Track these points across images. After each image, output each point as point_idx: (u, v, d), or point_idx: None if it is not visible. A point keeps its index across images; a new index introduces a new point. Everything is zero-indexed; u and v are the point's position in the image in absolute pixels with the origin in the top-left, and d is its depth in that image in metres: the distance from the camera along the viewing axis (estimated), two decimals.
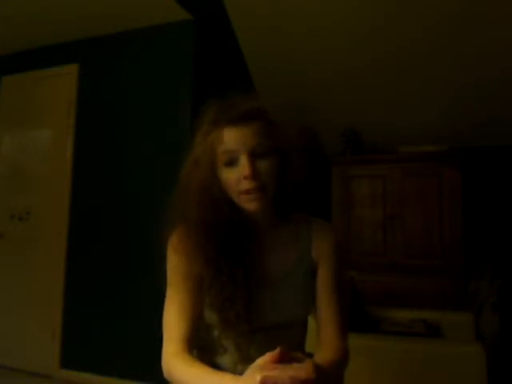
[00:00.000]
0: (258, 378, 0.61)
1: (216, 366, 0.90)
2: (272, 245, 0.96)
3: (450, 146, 3.25)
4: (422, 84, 3.02)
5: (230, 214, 0.89)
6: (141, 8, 2.56)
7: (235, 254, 0.88)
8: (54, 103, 3.03)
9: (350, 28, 2.75)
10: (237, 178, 0.85)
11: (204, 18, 2.74)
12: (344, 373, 0.95)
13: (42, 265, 2.90)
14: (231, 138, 0.86)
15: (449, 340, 2.12)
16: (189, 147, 0.93)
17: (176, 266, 0.89)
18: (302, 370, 0.63)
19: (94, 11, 2.61)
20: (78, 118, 2.92)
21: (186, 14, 2.61)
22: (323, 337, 0.92)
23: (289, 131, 0.92)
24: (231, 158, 0.86)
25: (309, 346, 1.03)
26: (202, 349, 0.95)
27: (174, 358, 0.79)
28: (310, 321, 1.00)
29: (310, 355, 0.92)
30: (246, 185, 0.84)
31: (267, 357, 0.65)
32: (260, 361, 0.65)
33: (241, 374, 0.68)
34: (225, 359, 0.92)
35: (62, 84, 3.01)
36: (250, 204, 0.86)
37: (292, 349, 0.68)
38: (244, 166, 0.84)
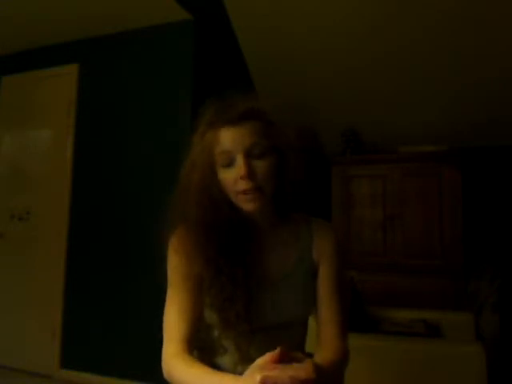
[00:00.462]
0: (258, 378, 0.61)
1: (216, 367, 0.90)
2: (272, 245, 0.96)
3: (450, 145, 3.25)
4: (422, 84, 3.02)
5: (230, 214, 0.89)
6: (141, 8, 2.56)
7: (235, 254, 0.88)
8: (54, 103, 3.03)
9: (350, 28, 2.75)
10: (234, 179, 0.85)
11: (204, 18, 2.74)
12: (344, 373, 0.95)
13: (42, 265, 2.90)
14: (228, 138, 0.86)
15: (449, 340, 2.11)
16: (188, 147, 0.93)
17: (176, 266, 0.89)
18: (301, 369, 0.63)
19: (94, 11, 2.61)
20: (77, 118, 2.92)
21: (186, 14, 2.62)
22: (323, 337, 0.92)
23: (287, 131, 0.92)
24: (228, 158, 0.86)
25: (309, 346, 1.03)
26: (202, 349, 0.95)
27: (173, 359, 0.79)
28: (310, 321, 1.00)
29: (310, 355, 0.92)
30: (242, 185, 0.85)
31: (267, 357, 0.65)
32: (260, 361, 0.65)
33: (241, 374, 0.68)
34: (225, 360, 0.92)
35: (62, 84, 3.01)
36: (247, 204, 0.86)
37: (292, 349, 0.68)
38: (240, 166, 0.84)
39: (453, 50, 2.73)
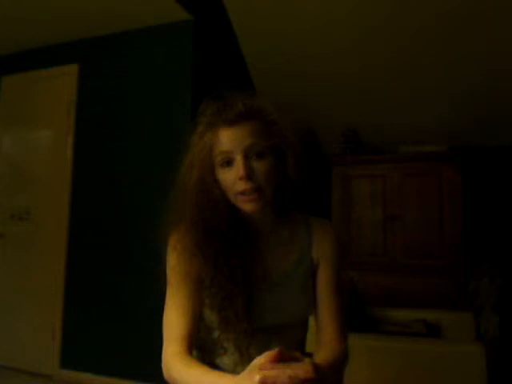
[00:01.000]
0: (257, 377, 0.61)
1: (216, 367, 0.90)
2: (271, 245, 0.95)
3: (450, 146, 3.25)
4: (422, 84, 3.02)
5: (229, 214, 0.89)
6: (141, 8, 2.56)
7: (234, 254, 0.88)
8: (54, 103, 3.03)
9: (350, 28, 2.75)
10: (233, 179, 0.85)
11: (204, 18, 2.74)
12: (343, 372, 0.95)
13: (42, 265, 2.90)
14: (227, 138, 0.85)
15: (449, 340, 2.12)
16: (187, 147, 0.93)
17: (175, 266, 0.89)
18: (301, 369, 0.62)
19: (94, 11, 2.61)
20: (77, 118, 2.92)
21: (186, 14, 2.61)
22: (323, 336, 0.92)
23: (287, 130, 0.91)
24: (227, 158, 0.86)
25: (309, 346, 1.03)
26: (202, 349, 0.95)
27: (173, 359, 0.79)
28: (310, 321, 1.00)
29: (310, 355, 0.91)
30: (241, 186, 0.84)
31: (266, 356, 0.64)
32: (258, 360, 0.65)
33: None
34: (225, 360, 0.92)
35: (62, 84, 3.01)
36: (246, 205, 0.86)
37: (291, 349, 0.68)
38: (239, 166, 0.84)
39: (453, 50, 2.73)
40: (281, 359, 0.64)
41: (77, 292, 2.76)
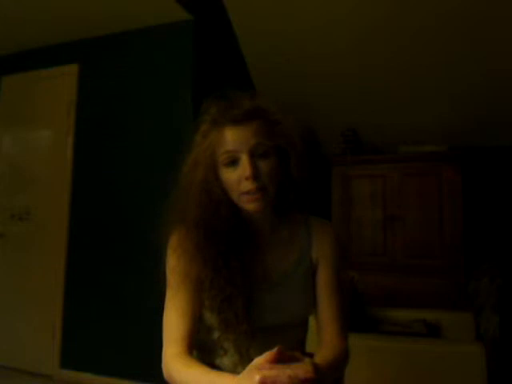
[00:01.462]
0: (257, 377, 0.61)
1: (216, 368, 0.90)
2: (271, 245, 0.95)
3: (450, 146, 3.25)
4: (422, 84, 3.02)
5: (230, 214, 0.88)
6: (141, 8, 2.56)
7: (234, 254, 0.88)
8: (54, 103, 3.03)
9: (350, 28, 2.75)
10: (237, 179, 0.85)
11: (204, 18, 2.74)
12: (344, 372, 0.95)
13: (42, 265, 2.90)
14: (231, 138, 0.85)
15: (449, 340, 2.11)
16: (189, 147, 0.93)
17: (175, 267, 0.88)
18: (300, 369, 0.62)
19: (94, 11, 2.61)
20: (77, 118, 2.92)
21: (186, 14, 2.61)
22: (323, 336, 0.92)
23: (291, 130, 0.91)
24: (232, 158, 0.85)
25: (309, 346, 1.03)
26: (202, 350, 0.95)
27: (173, 360, 0.79)
28: (310, 321, 1.00)
29: (311, 355, 0.91)
30: (247, 185, 0.84)
31: (265, 356, 0.64)
32: (258, 360, 0.65)
33: None
34: (225, 361, 0.92)
35: (62, 84, 3.01)
36: (250, 205, 0.86)
37: (292, 349, 0.68)
38: (245, 166, 0.83)
39: (453, 50, 2.73)
40: (281, 359, 0.64)
41: (77, 292, 2.76)
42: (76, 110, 2.93)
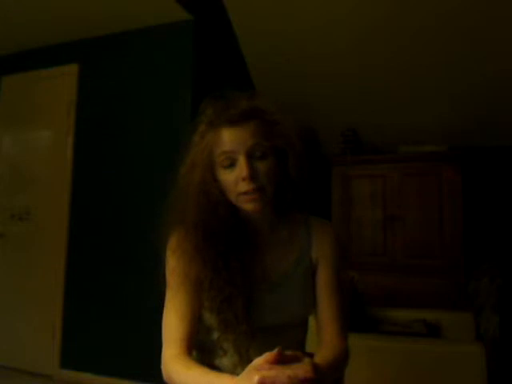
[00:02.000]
0: (256, 378, 0.60)
1: (216, 368, 0.90)
2: (271, 245, 0.95)
3: (450, 146, 3.25)
4: (422, 84, 3.02)
5: (229, 215, 0.88)
6: (141, 8, 2.56)
7: (234, 255, 0.88)
8: (54, 103, 3.03)
9: (350, 28, 2.75)
10: (235, 180, 0.85)
11: (204, 18, 2.74)
12: (344, 372, 0.95)
13: (42, 265, 2.90)
14: (229, 138, 0.85)
15: (449, 340, 2.11)
16: (187, 148, 0.92)
17: (174, 268, 0.88)
18: (300, 369, 0.62)
19: (94, 11, 2.61)
20: (78, 118, 2.92)
21: (186, 14, 2.61)
22: (323, 336, 0.92)
23: (289, 130, 0.91)
24: (229, 159, 0.85)
25: (309, 346, 1.03)
26: (201, 351, 0.95)
27: (172, 361, 0.79)
28: (310, 321, 1.00)
29: (311, 355, 0.91)
30: (244, 186, 0.84)
31: (265, 357, 0.64)
32: (257, 361, 0.65)
33: None
34: (224, 361, 0.91)
35: (62, 84, 3.01)
36: (248, 205, 0.86)
37: (292, 349, 0.68)
38: (242, 167, 0.83)
39: (453, 50, 2.73)
40: (281, 360, 0.64)
41: (77, 292, 2.76)
42: (76, 109, 2.93)
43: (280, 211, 0.97)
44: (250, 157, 0.85)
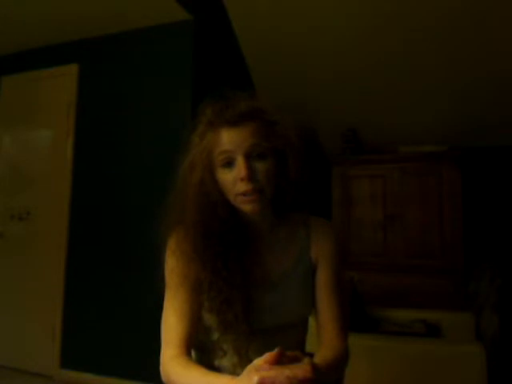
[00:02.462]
0: (256, 378, 0.61)
1: (215, 369, 0.90)
2: (270, 246, 0.95)
3: (450, 146, 3.25)
4: (422, 84, 3.02)
5: (228, 215, 0.88)
6: (141, 8, 2.56)
7: (233, 255, 0.88)
8: (54, 103, 3.03)
9: (350, 28, 2.75)
10: (233, 180, 0.85)
11: (204, 18, 2.74)
12: (344, 372, 0.95)
13: (42, 265, 2.90)
14: (228, 139, 0.85)
15: (449, 340, 2.11)
16: (186, 148, 0.92)
17: (173, 268, 0.88)
18: (299, 369, 0.62)
19: (94, 11, 2.61)
20: (77, 118, 2.92)
21: (186, 14, 2.61)
22: (323, 336, 0.92)
23: (289, 131, 0.90)
24: (228, 159, 0.85)
25: (309, 346, 1.03)
26: (201, 351, 0.95)
27: (171, 361, 0.79)
28: (310, 321, 1.00)
29: (311, 355, 0.91)
30: (242, 187, 0.84)
31: (265, 358, 0.64)
32: (257, 361, 0.65)
33: None
34: (224, 362, 0.91)
35: (62, 84, 3.01)
36: (246, 206, 0.86)
37: (291, 349, 0.68)
38: (240, 167, 0.83)
39: (453, 50, 2.73)
40: (281, 360, 0.64)
41: (77, 292, 2.76)
42: (76, 109, 2.93)
43: (280, 211, 0.97)
44: (249, 157, 0.85)
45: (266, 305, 0.89)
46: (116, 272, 2.66)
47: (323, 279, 0.95)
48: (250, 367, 0.65)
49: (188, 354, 0.81)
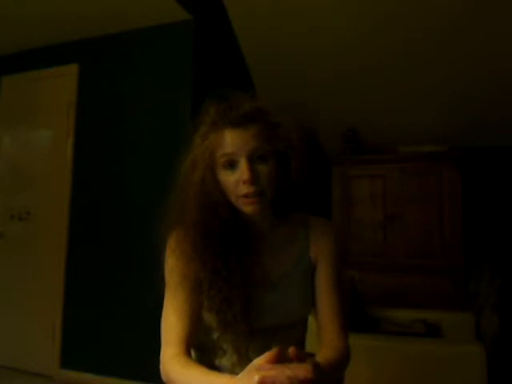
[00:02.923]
0: (256, 378, 0.60)
1: (215, 368, 0.90)
2: (270, 245, 0.95)
3: (450, 146, 3.25)
4: (422, 84, 3.02)
5: (228, 215, 0.88)
6: (141, 8, 2.56)
7: (233, 255, 0.88)
8: (54, 103, 3.03)
9: (351, 28, 2.75)
10: (235, 182, 0.85)
11: (204, 18, 2.74)
12: (345, 371, 0.95)
13: (42, 265, 2.90)
14: (230, 141, 0.85)
15: (449, 340, 2.11)
16: (188, 148, 0.92)
17: (173, 268, 0.88)
18: (300, 369, 0.62)
19: (94, 11, 2.61)
20: (77, 118, 2.92)
21: (186, 14, 2.61)
22: (324, 336, 0.92)
23: (291, 132, 0.90)
24: (230, 161, 0.85)
25: (309, 346, 1.03)
26: (201, 351, 0.95)
27: (171, 361, 0.79)
28: (310, 321, 1.00)
29: (312, 355, 0.91)
30: (244, 189, 0.84)
31: (265, 357, 0.64)
32: (257, 361, 0.65)
33: None
34: (224, 361, 0.91)
35: (62, 84, 3.01)
36: (248, 207, 0.86)
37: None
38: (243, 170, 0.83)
39: (453, 50, 2.73)
40: (280, 359, 0.63)
41: (77, 292, 2.76)
42: (76, 109, 2.93)
43: (280, 212, 0.97)
44: (252, 160, 0.85)
45: (265, 304, 0.89)
46: (116, 272, 2.66)
47: (323, 279, 0.96)
48: (250, 366, 0.65)
49: (188, 353, 0.81)
